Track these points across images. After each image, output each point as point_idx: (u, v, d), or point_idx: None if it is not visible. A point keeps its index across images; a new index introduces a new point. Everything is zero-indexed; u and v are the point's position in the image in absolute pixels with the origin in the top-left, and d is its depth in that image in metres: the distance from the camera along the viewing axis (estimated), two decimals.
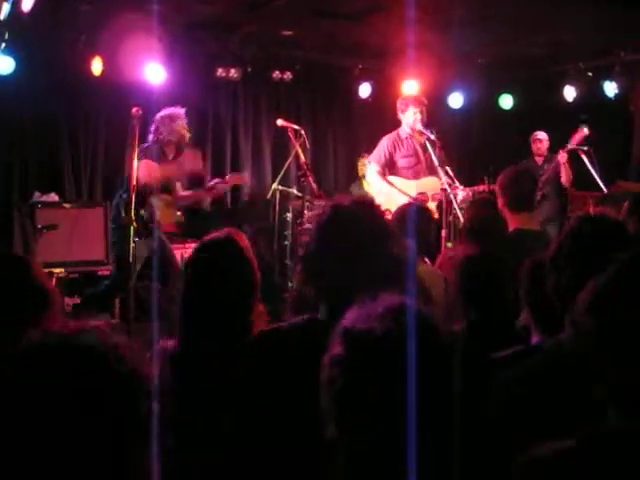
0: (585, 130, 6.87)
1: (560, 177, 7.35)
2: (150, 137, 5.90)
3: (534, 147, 7.86)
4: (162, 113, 5.94)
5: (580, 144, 6.86)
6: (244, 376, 1.92)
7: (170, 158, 6.01)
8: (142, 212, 5.56)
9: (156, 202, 5.73)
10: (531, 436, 1.56)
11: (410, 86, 7.77)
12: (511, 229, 4.20)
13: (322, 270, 1.86)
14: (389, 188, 6.12)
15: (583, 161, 6.82)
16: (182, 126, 5.95)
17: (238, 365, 1.96)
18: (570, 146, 6.98)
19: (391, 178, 6.18)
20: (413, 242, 2.98)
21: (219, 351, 2.15)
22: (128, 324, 4.65)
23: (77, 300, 6.43)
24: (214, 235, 2.43)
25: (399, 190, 6.08)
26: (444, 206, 5.74)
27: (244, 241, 2.41)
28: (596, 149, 6.89)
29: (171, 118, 5.91)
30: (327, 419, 1.38)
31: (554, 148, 7.71)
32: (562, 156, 7.17)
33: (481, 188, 6.23)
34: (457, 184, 5.96)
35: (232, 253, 2.34)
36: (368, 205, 1.93)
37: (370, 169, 6.34)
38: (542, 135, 7.82)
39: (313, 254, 1.88)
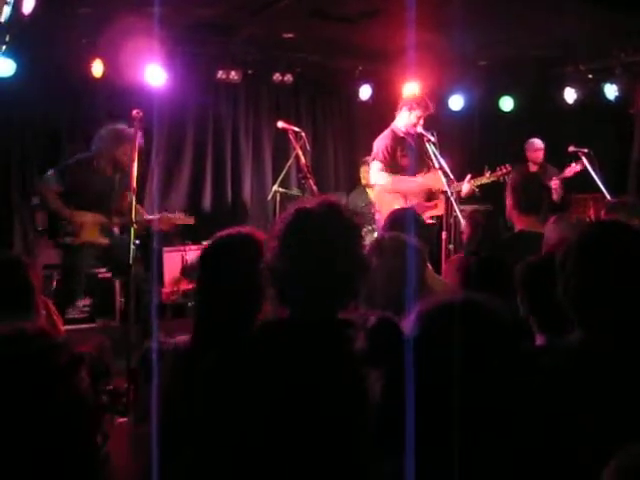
0: (578, 167, 7.07)
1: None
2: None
3: (532, 155, 7.92)
4: (111, 127, 5.75)
5: (571, 176, 7.23)
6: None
7: (108, 174, 5.78)
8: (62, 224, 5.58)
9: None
10: (539, 433, 1.56)
11: (410, 88, 7.76)
12: (516, 230, 4.24)
13: (285, 275, 1.86)
14: (393, 181, 6.01)
15: (584, 163, 6.83)
16: (122, 151, 5.59)
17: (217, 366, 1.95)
18: (562, 176, 7.37)
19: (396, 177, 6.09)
20: (418, 243, 2.99)
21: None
22: (128, 325, 4.66)
23: (77, 301, 6.44)
24: (231, 231, 2.40)
25: (403, 183, 6.02)
26: (443, 210, 5.74)
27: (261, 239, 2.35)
28: (597, 151, 6.90)
29: (118, 138, 5.65)
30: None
31: (555, 150, 7.72)
32: (555, 182, 7.36)
33: (484, 178, 6.23)
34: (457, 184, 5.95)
35: (247, 251, 2.29)
36: (333, 207, 1.92)
37: (373, 167, 6.19)
38: (539, 144, 7.94)
39: (277, 259, 1.87)
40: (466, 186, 6.04)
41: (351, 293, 1.91)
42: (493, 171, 6.20)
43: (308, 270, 1.83)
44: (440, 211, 5.96)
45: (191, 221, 6.19)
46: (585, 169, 6.83)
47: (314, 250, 1.83)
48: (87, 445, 1.35)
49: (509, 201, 4.31)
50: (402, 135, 6.12)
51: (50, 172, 5.71)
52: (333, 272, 1.83)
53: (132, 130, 5.25)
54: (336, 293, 1.86)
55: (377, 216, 6.13)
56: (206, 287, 2.35)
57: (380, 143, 6.12)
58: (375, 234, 6.66)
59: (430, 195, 6.11)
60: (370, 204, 7.29)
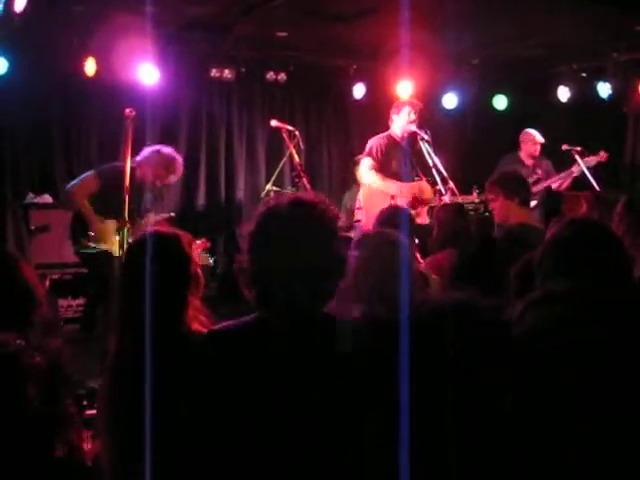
0: (603, 155, 6.85)
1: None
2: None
3: (530, 148, 7.51)
4: (163, 151, 5.54)
5: (591, 165, 6.78)
6: (195, 375, 1.91)
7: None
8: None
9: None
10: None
11: (404, 87, 7.75)
12: (515, 222, 4.26)
13: (258, 275, 1.86)
14: (381, 184, 5.92)
15: (577, 162, 6.84)
16: (157, 174, 5.49)
17: (188, 364, 1.95)
18: (585, 163, 6.82)
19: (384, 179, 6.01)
20: (407, 239, 2.99)
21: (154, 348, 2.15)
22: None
23: (71, 302, 6.42)
24: (154, 230, 2.48)
25: (390, 187, 5.95)
26: (427, 219, 5.74)
27: (185, 238, 2.44)
28: (590, 149, 6.92)
29: (164, 162, 5.52)
30: None
31: (546, 149, 7.69)
32: (577, 169, 6.91)
33: (470, 198, 6.19)
34: (451, 184, 5.89)
35: (165, 249, 2.37)
36: (303, 204, 1.90)
37: (363, 164, 6.10)
38: (539, 138, 7.48)
39: (248, 258, 1.87)
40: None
41: (325, 289, 1.90)
42: (481, 192, 6.11)
43: (277, 268, 1.82)
44: (424, 220, 5.93)
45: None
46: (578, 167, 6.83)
47: (282, 248, 1.82)
48: (36, 458, 1.32)
49: (501, 195, 4.33)
50: (398, 140, 6.10)
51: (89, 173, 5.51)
52: (303, 269, 1.82)
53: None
54: (309, 290, 1.84)
55: (359, 215, 6.04)
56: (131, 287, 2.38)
57: (375, 141, 6.07)
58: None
59: (415, 203, 6.06)
60: None
